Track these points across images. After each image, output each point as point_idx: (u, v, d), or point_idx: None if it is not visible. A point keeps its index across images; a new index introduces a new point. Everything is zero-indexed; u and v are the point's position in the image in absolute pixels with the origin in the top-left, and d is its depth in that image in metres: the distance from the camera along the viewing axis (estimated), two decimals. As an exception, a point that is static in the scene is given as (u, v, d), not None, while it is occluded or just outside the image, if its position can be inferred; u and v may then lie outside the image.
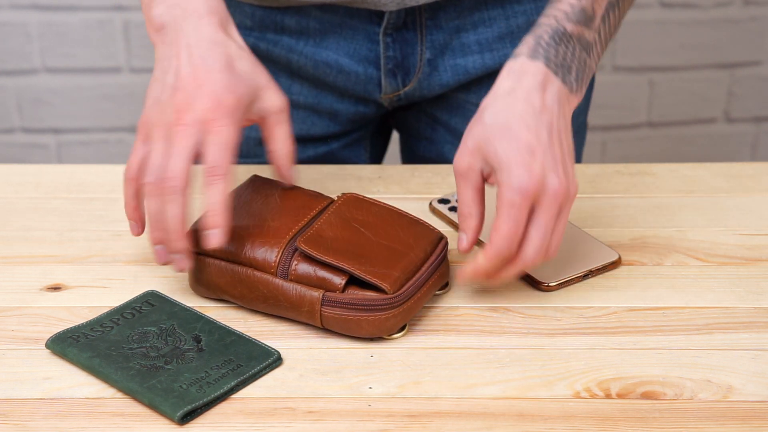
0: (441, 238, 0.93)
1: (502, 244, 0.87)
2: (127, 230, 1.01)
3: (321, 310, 0.87)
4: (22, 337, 0.89)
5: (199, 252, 0.91)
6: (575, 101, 0.92)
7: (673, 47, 2.10)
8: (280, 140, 0.93)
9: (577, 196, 1.07)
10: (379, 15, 1.11)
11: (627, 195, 1.08)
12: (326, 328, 0.89)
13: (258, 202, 0.94)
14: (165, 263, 0.90)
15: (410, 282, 0.88)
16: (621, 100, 2.13)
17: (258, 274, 0.89)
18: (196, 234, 0.90)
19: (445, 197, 1.05)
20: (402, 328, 0.90)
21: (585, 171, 1.12)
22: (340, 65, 1.13)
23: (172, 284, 0.94)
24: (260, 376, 0.85)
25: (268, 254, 0.89)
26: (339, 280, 0.87)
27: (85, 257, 0.98)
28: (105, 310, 0.91)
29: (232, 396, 0.83)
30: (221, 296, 0.92)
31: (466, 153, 0.90)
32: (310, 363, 0.86)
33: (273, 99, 0.93)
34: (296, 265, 0.88)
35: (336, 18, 1.11)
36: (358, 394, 0.83)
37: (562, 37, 0.91)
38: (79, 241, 1.00)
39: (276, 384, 0.84)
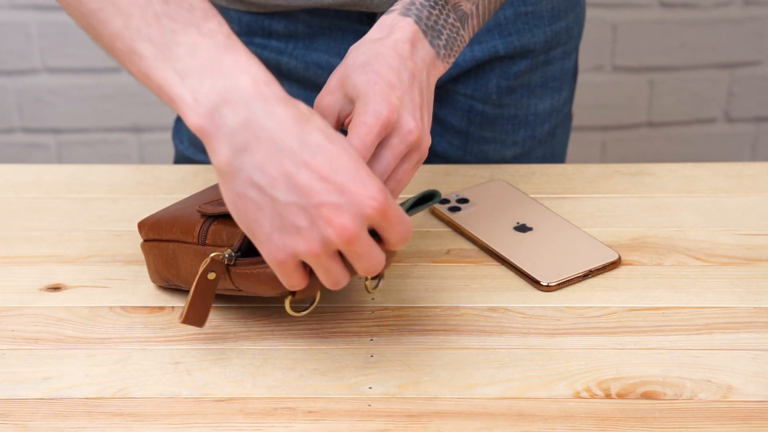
0: None
1: None
2: (127, 230, 1.01)
3: (229, 269, 0.83)
4: (22, 337, 0.89)
5: (147, 239, 0.91)
6: (441, 69, 0.89)
7: (673, 47, 2.10)
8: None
9: (577, 196, 1.07)
10: (369, 15, 1.10)
11: (627, 195, 1.08)
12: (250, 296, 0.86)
13: (197, 195, 0.94)
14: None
15: None
16: (621, 100, 2.13)
17: (185, 245, 0.88)
18: (156, 223, 0.91)
19: (445, 197, 1.05)
20: (312, 303, 0.86)
21: (585, 171, 1.12)
22: (331, 66, 1.12)
23: (172, 284, 0.94)
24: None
25: (192, 225, 0.88)
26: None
27: (85, 257, 0.98)
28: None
29: (232, 396, 0.83)
30: (168, 280, 0.91)
31: (327, 92, 0.87)
32: (310, 363, 0.86)
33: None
34: (209, 228, 0.87)
35: (325, 21, 1.11)
36: (358, 394, 0.83)
37: (437, 1, 0.89)
38: (79, 241, 1.00)
39: (276, 384, 0.84)
